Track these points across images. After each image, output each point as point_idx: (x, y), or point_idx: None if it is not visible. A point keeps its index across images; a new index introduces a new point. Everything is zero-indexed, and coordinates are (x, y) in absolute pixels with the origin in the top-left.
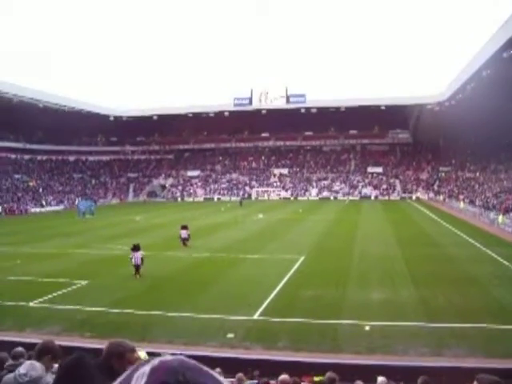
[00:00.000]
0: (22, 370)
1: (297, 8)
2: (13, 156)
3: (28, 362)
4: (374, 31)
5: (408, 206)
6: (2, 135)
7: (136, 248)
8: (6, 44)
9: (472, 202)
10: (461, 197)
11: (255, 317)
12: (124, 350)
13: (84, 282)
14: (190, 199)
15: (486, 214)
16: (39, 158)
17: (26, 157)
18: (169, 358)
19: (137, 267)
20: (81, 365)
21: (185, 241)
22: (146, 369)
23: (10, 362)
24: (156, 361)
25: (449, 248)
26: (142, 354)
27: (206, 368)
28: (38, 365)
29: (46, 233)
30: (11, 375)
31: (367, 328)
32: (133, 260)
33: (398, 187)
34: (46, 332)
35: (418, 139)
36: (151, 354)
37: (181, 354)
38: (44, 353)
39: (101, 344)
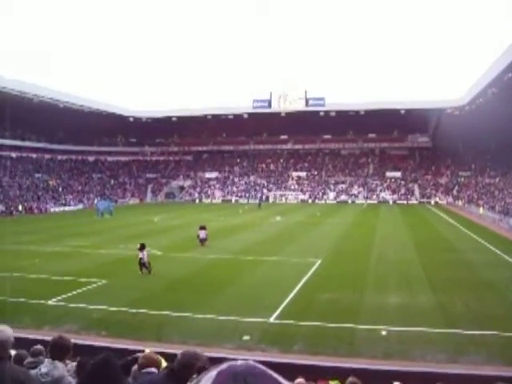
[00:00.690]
0: (43, 369)
1: (318, 11)
2: (34, 155)
3: (49, 361)
4: (395, 35)
5: (426, 210)
6: (24, 135)
7: (142, 247)
8: (21, 43)
9: (492, 208)
10: (480, 202)
11: (271, 319)
12: (197, 362)
13: (102, 282)
14: (208, 201)
15: (506, 220)
16: (59, 157)
17: (47, 156)
18: (238, 362)
19: (144, 265)
20: (109, 365)
21: (203, 241)
22: (213, 372)
23: (30, 359)
24: (225, 365)
25: (467, 253)
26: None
27: (271, 373)
28: (59, 364)
29: (65, 232)
30: (33, 373)
31: (384, 333)
32: (143, 259)
33: (417, 192)
34: (63, 330)
35: (437, 144)
36: (166, 355)
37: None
38: (58, 350)
39: (117, 343)
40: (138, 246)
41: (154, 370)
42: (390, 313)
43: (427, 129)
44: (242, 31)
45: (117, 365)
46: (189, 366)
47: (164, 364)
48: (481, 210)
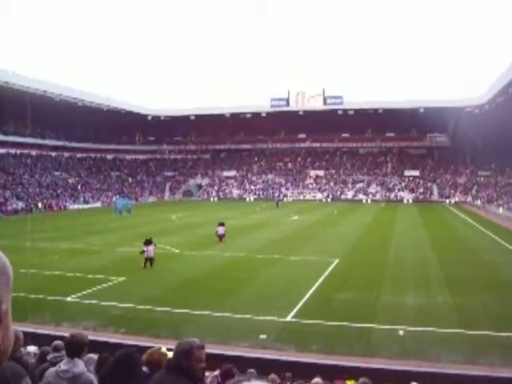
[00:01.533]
0: (63, 366)
1: (337, 9)
2: (53, 153)
3: (68, 359)
4: (414, 33)
5: (445, 210)
6: (44, 133)
7: (148, 242)
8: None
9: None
10: (500, 202)
11: (288, 318)
12: (191, 348)
13: (120, 279)
14: (226, 199)
15: None
16: (79, 155)
17: (66, 154)
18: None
19: (150, 259)
20: (132, 360)
21: (221, 237)
22: None
23: (53, 354)
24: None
25: (486, 253)
26: (164, 350)
27: None
28: (79, 361)
29: (84, 229)
30: (52, 370)
31: (401, 333)
32: (146, 253)
33: (435, 191)
34: (81, 327)
35: (456, 143)
36: None
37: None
38: (73, 347)
39: (135, 340)
40: (144, 240)
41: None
42: (408, 313)
43: (446, 128)
44: (261, 30)
45: (139, 359)
46: (183, 353)
47: None
48: (500, 210)
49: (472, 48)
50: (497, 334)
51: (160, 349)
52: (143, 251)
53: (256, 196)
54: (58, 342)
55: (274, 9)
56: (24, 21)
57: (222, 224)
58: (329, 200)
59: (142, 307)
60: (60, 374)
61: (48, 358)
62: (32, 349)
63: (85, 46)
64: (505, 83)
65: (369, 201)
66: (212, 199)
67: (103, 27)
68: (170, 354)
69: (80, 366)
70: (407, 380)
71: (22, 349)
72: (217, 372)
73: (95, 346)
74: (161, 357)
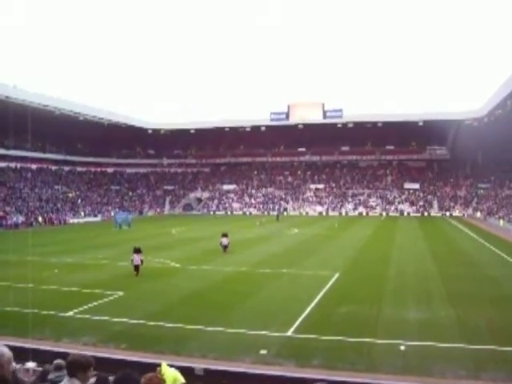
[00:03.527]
0: None
1: (336, 25)
2: (54, 167)
3: (67, 379)
4: (413, 46)
5: (445, 222)
6: (44, 147)
7: (137, 251)
8: (42, 58)
9: None
10: (500, 214)
11: (289, 333)
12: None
13: (120, 293)
14: (226, 213)
15: None
16: (79, 169)
17: (66, 168)
18: None
19: (137, 267)
20: (131, 380)
21: (225, 248)
22: None
23: (53, 373)
24: None
25: (487, 267)
26: (164, 366)
27: None
28: (77, 381)
29: (84, 243)
30: None
31: (402, 348)
32: (134, 261)
33: (436, 204)
34: (81, 342)
35: (455, 155)
36: (183, 369)
37: None
38: (75, 368)
39: (136, 356)
40: (133, 249)
41: None
42: (409, 327)
43: (445, 140)
44: (260, 44)
45: (137, 381)
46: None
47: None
48: (501, 223)
49: (471, 61)
50: (500, 348)
51: (160, 371)
52: (132, 260)
53: (256, 209)
54: (59, 361)
55: (274, 23)
56: (24, 35)
57: (225, 235)
58: (329, 213)
59: (142, 322)
60: None
61: (49, 377)
62: (31, 365)
63: (86, 60)
64: (503, 96)
65: (369, 213)
66: (212, 213)
67: (103, 40)
68: (171, 371)
69: None
70: None
71: (19, 365)
72: None
73: (96, 363)
74: (160, 381)
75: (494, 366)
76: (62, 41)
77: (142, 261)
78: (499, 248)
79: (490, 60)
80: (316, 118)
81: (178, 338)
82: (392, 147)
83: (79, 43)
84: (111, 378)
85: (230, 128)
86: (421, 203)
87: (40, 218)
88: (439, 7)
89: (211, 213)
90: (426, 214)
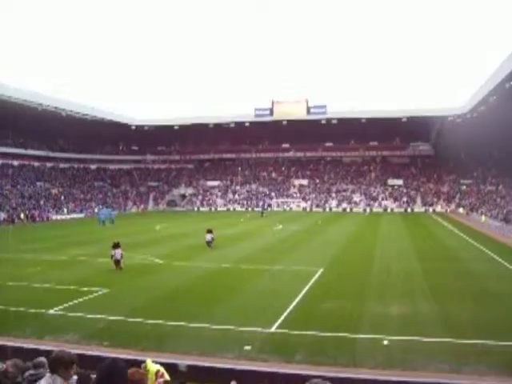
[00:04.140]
0: (43, 382)
1: (320, 20)
2: (36, 164)
3: (48, 376)
4: (397, 42)
5: (428, 218)
6: (26, 143)
7: (116, 246)
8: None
9: (494, 216)
10: (482, 210)
11: (273, 329)
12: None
13: (103, 291)
14: (210, 209)
15: (508, 228)
16: (61, 165)
17: (49, 164)
18: None
19: (117, 262)
20: (116, 369)
21: (209, 243)
22: None
23: (31, 371)
24: None
25: (470, 262)
26: (149, 363)
27: None
28: (58, 380)
29: (67, 240)
30: None
31: (386, 342)
32: (114, 256)
33: (419, 200)
34: (64, 340)
35: (439, 151)
36: (167, 365)
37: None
38: (57, 365)
39: (119, 353)
40: (112, 243)
41: None
42: (392, 322)
43: (429, 137)
44: (243, 40)
45: (124, 368)
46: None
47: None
48: (483, 218)
49: (454, 58)
50: (482, 341)
51: (145, 367)
52: (112, 255)
53: (240, 206)
54: (38, 360)
55: (258, 18)
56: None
57: (210, 231)
58: (313, 209)
59: (125, 319)
60: None
61: (26, 375)
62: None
63: (68, 55)
64: (485, 93)
65: (353, 209)
66: (196, 209)
67: (86, 35)
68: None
69: (58, 382)
70: None
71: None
72: None
73: (79, 360)
74: (142, 376)
75: (477, 359)
76: (42, 35)
77: (121, 255)
78: (481, 243)
79: (473, 58)
80: (300, 114)
81: (161, 335)
82: (376, 143)
83: (62, 39)
84: (93, 376)
85: (214, 124)
86: (404, 199)
87: (22, 215)
88: (423, 3)
89: (195, 209)
90: (409, 209)
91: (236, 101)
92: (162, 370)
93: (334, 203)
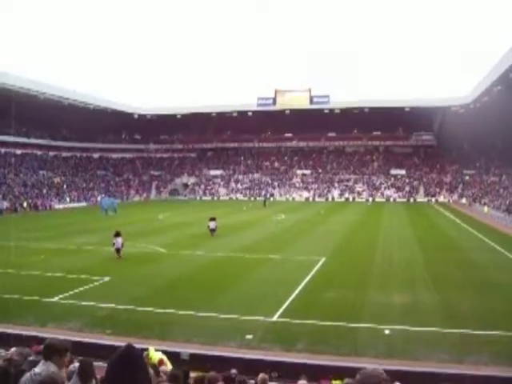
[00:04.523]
0: (37, 369)
1: (323, 9)
2: (38, 152)
3: (42, 363)
4: (400, 32)
5: (431, 208)
6: (28, 132)
7: (118, 234)
8: (28, 40)
9: (497, 207)
10: (485, 201)
11: (274, 318)
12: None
13: (106, 279)
14: (212, 198)
15: (511, 219)
16: (64, 154)
17: (51, 153)
18: None
19: (118, 250)
20: (133, 355)
21: (213, 231)
22: None
23: (32, 357)
24: None
25: (472, 252)
26: (152, 351)
27: None
28: (52, 367)
29: (70, 229)
30: (27, 374)
31: (387, 332)
32: (115, 244)
33: (421, 190)
34: (67, 328)
35: (442, 142)
36: (169, 353)
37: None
38: (51, 352)
39: (121, 341)
40: (114, 232)
41: None
42: (394, 312)
43: (432, 127)
44: (247, 29)
45: (141, 355)
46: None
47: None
48: (485, 209)
49: (458, 48)
50: (483, 332)
51: (147, 355)
52: (113, 243)
53: (243, 195)
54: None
55: (261, 8)
56: (4, 18)
57: (213, 219)
58: (316, 199)
59: (128, 307)
60: (33, 377)
61: (26, 361)
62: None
63: (71, 44)
64: (489, 83)
65: (356, 199)
66: (198, 198)
67: (88, 25)
68: (157, 356)
69: (52, 368)
70: (394, 380)
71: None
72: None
73: (81, 348)
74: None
75: (478, 349)
76: (45, 24)
77: (122, 244)
78: (483, 234)
79: (477, 48)
80: (303, 103)
81: (163, 323)
82: (379, 133)
83: (64, 29)
84: (96, 363)
85: (216, 113)
86: (407, 189)
87: (25, 204)
88: None
89: (198, 198)
90: (411, 199)
91: (239, 90)
92: (165, 358)
93: (336, 193)
